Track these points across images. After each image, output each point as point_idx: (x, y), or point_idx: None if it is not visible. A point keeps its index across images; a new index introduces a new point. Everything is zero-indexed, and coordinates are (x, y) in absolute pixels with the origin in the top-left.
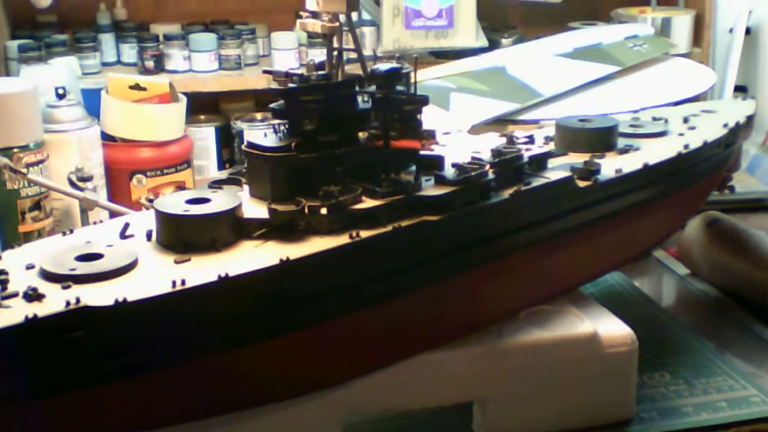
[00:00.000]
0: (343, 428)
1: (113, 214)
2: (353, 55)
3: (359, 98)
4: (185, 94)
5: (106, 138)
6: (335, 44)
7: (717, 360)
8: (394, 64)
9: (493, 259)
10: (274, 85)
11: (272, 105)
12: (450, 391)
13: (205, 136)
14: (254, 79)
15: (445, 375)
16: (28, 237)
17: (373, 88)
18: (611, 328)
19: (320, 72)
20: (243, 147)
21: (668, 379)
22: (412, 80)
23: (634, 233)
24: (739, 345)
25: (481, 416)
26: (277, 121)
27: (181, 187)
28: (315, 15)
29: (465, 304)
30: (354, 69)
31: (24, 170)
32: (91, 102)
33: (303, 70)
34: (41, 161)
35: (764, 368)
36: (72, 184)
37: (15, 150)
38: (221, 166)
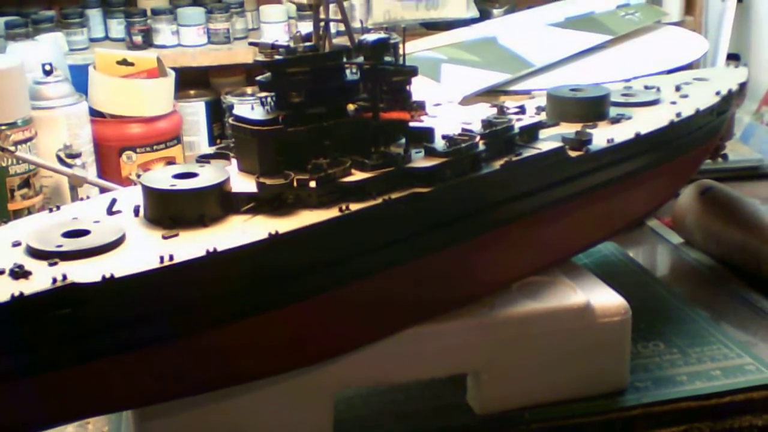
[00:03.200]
0: (335, 402)
1: (103, 191)
2: (342, 27)
3: (347, 70)
4: (174, 69)
5: (95, 114)
6: (322, 15)
7: (711, 329)
8: (382, 35)
9: (485, 231)
10: (261, 58)
11: (259, 78)
12: (443, 364)
13: (196, 111)
14: (244, 53)
15: (438, 347)
16: (17, 214)
17: (361, 59)
18: (604, 298)
19: (307, 44)
20: (230, 121)
21: (662, 348)
22: (401, 51)
23: (626, 203)
24: (733, 313)
25: (475, 388)
26: (264, 94)
27: (170, 162)
28: None
29: (457, 277)
30: (343, 41)
31: (12, 148)
32: (79, 78)
33: (290, 42)
34: (29, 138)
35: (759, 336)
36: (61, 161)
37: (2, 127)
38: (212, 141)
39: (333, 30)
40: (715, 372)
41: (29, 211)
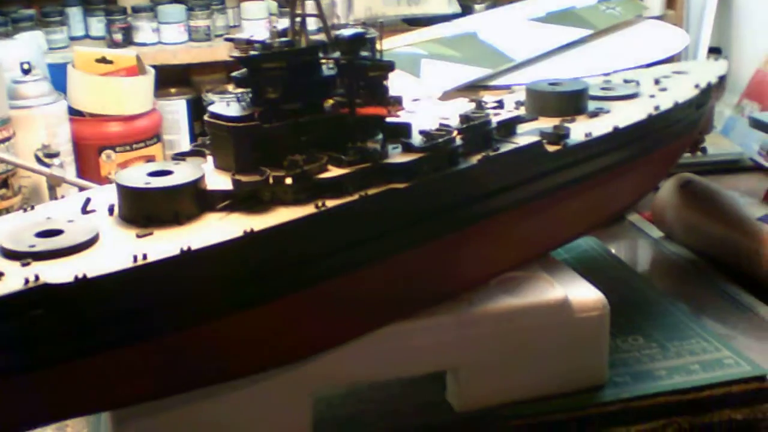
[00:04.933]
0: (313, 401)
1: (82, 191)
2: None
3: (323, 65)
4: (155, 66)
5: (74, 113)
6: (298, 10)
7: (690, 322)
8: (358, 30)
9: (463, 226)
10: (236, 53)
11: (234, 73)
12: (422, 361)
13: (176, 109)
14: (224, 51)
15: (417, 345)
16: None
17: (337, 54)
18: (582, 293)
19: (283, 39)
20: (205, 117)
21: (641, 342)
22: (378, 46)
23: (605, 196)
24: (713, 307)
25: (455, 385)
26: (240, 90)
27: (149, 161)
28: None
29: (435, 273)
30: (321, 37)
31: None
32: (58, 77)
33: (266, 38)
34: (7, 138)
35: (738, 330)
36: (39, 160)
37: None
38: (193, 139)
39: (312, 27)
40: (694, 366)
41: (8, 211)
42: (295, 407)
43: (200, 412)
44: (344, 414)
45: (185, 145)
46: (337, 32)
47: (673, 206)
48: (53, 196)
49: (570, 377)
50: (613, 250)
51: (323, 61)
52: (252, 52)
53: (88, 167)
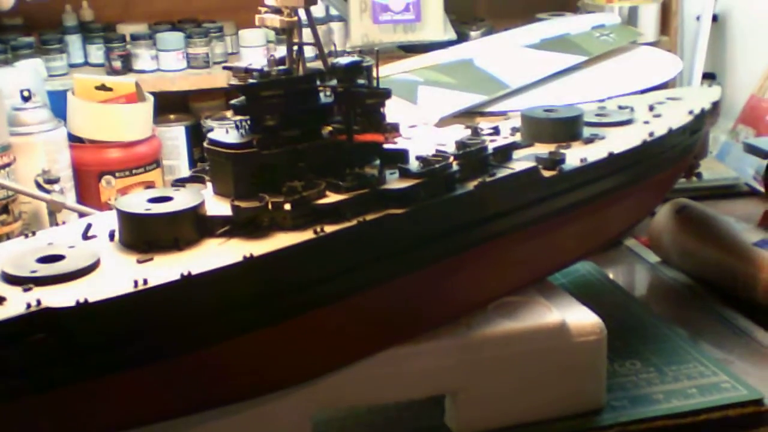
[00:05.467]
0: (313, 424)
1: (82, 216)
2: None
3: (321, 93)
4: (153, 93)
5: (74, 139)
6: (295, 38)
7: (688, 347)
8: (355, 58)
9: (460, 252)
10: (235, 81)
11: (233, 101)
12: (421, 385)
13: (176, 135)
14: (223, 77)
15: (415, 369)
16: None
17: (334, 82)
18: (579, 317)
19: (281, 67)
20: (205, 144)
21: (639, 366)
22: (375, 74)
23: (601, 222)
24: (710, 331)
25: (453, 409)
26: (238, 118)
27: (149, 187)
28: (275, 10)
29: (432, 298)
30: (318, 64)
31: None
32: (58, 104)
33: (264, 66)
34: (8, 164)
35: (735, 354)
36: (39, 186)
37: None
38: (192, 165)
39: (309, 54)
40: (691, 390)
41: (8, 237)
42: (295, 430)
43: None
44: None
45: (184, 171)
46: (334, 60)
47: (669, 231)
48: (53, 222)
49: (568, 401)
50: (610, 275)
51: (320, 88)
52: (250, 81)
53: (88, 193)
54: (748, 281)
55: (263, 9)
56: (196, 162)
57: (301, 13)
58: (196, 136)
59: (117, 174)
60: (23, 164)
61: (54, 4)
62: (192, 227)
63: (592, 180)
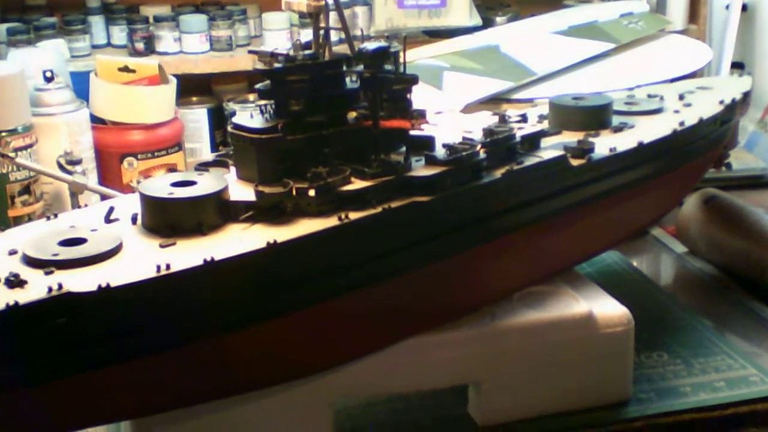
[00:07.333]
0: (334, 412)
1: (103, 198)
2: (344, 35)
3: (347, 78)
4: (176, 76)
5: (96, 121)
6: (322, 23)
7: (715, 339)
8: (382, 43)
9: (486, 240)
10: (260, 66)
11: (258, 85)
12: (444, 374)
13: (198, 118)
14: (246, 60)
15: (439, 358)
16: (18, 221)
17: (360, 67)
18: (607, 308)
19: (307, 51)
20: (229, 128)
21: (666, 358)
22: (401, 59)
23: (629, 212)
24: (737, 324)
25: (477, 398)
26: (263, 102)
27: (171, 169)
28: None
29: (457, 286)
30: (344, 49)
31: (12, 154)
32: (81, 85)
33: (290, 50)
34: (30, 145)
35: (763, 347)
36: (61, 167)
37: (3, 134)
38: (214, 148)
39: (335, 38)
40: (719, 383)
41: (29, 217)
42: (316, 417)
43: (221, 422)
44: (364, 425)
45: (206, 154)
46: (361, 45)
47: (697, 221)
48: (75, 203)
49: (593, 393)
50: (636, 265)
51: (347, 73)
52: (276, 65)
53: (110, 174)
54: None
55: None
56: (218, 145)
57: None
58: (218, 118)
59: (139, 156)
60: (45, 145)
61: None
62: (215, 212)
63: (621, 169)
